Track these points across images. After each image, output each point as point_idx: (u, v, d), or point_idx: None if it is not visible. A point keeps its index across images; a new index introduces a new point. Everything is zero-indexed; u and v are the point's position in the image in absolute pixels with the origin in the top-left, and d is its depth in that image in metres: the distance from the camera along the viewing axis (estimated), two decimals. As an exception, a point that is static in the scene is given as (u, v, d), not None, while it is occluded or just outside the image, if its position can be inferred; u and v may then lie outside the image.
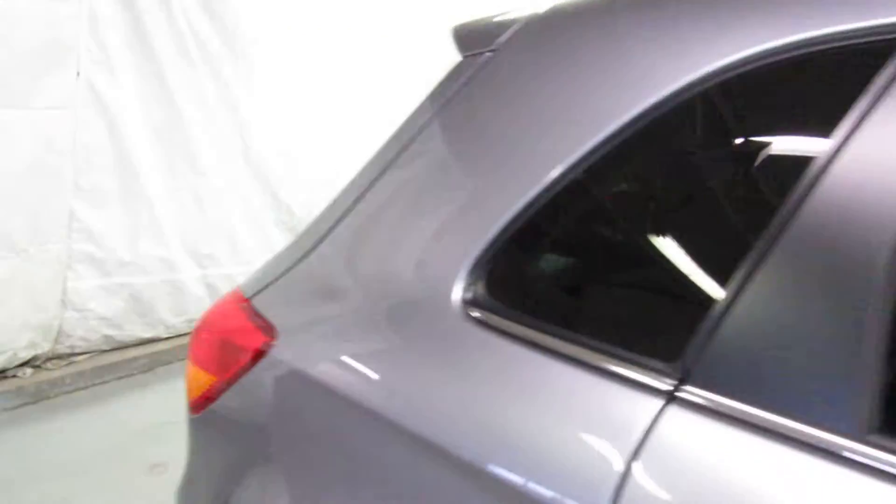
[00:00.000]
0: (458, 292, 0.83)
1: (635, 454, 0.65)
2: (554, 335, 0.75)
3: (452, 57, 1.09)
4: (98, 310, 3.79)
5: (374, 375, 0.86)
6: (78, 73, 3.28)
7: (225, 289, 4.32)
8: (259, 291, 1.08)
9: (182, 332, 4.28)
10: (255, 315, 1.05)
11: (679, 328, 0.68)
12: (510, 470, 0.71)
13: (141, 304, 3.95)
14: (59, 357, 3.85)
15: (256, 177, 4.25)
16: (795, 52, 0.66)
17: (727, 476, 0.60)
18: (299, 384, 0.94)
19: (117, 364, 3.99)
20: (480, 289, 0.83)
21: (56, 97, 3.20)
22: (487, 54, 0.94)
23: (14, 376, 3.64)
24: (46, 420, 3.46)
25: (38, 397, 3.68)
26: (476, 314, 0.81)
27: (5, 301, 3.33)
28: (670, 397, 0.66)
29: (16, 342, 3.49)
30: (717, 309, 0.64)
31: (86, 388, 3.87)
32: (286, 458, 0.93)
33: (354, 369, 0.88)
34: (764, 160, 0.69)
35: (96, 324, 3.83)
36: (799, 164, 0.63)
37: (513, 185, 0.82)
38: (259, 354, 1.01)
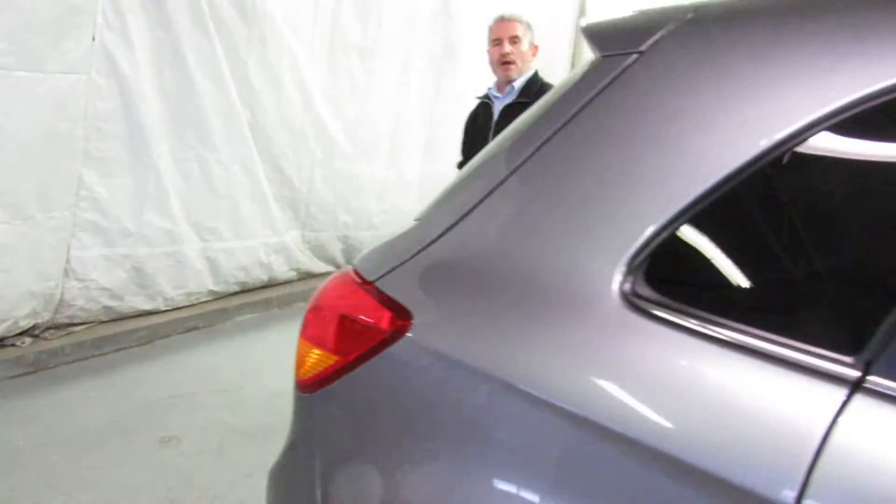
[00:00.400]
0: (616, 283, 0.88)
1: (821, 446, 0.70)
2: (727, 326, 0.80)
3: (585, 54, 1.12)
4: (100, 280, 3.74)
5: (532, 361, 0.90)
6: (93, 38, 3.21)
7: (226, 263, 4.32)
8: (385, 274, 1.10)
9: (180, 305, 4.26)
10: (385, 297, 1.08)
11: (862, 318, 0.73)
12: (693, 457, 0.76)
13: (142, 275, 3.91)
14: (57, 327, 3.79)
15: (261, 150, 4.22)
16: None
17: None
18: (444, 367, 0.97)
19: (116, 335, 3.95)
20: (641, 280, 0.87)
21: (71, 61, 3.12)
22: (633, 56, 0.97)
23: (13, 345, 3.58)
24: (49, 390, 3.41)
25: (37, 367, 3.63)
26: (638, 304, 0.86)
27: (9, 268, 3.27)
28: (855, 387, 0.71)
29: (17, 310, 3.43)
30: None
31: (85, 359, 3.82)
32: (428, 438, 0.97)
33: (508, 355, 0.92)
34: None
35: (97, 294, 3.78)
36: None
37: (674, 184, 0.86)
38: (392, 336, 1.04)
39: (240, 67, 3.90)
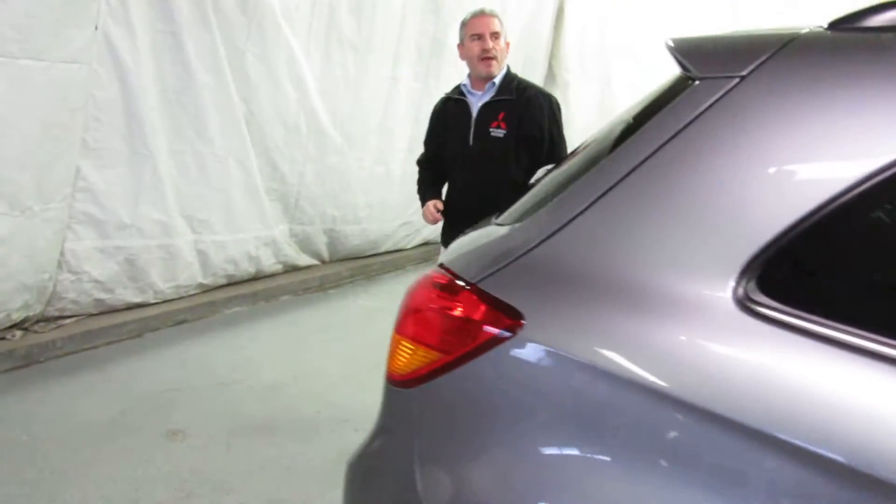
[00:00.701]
0: (730, 289, 0.97)
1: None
2: (838, 329, 0.89)
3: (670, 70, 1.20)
4: (93, 272, 3.70)
5: (651, 359, 0.98)
6: (96, 27, 3.16)
7: (216, 256, 4.30)
8: (488, 276, 1.16)
9: (169, 298, 4.23)
10: (492, 298, 1.15)
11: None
12: (838, 453, 0.85)
13: (134, 268, 3.87)
14: (47, 320, 3.73)
15: (256, 144, 4.21)
16: None
17: None
18: (561, 364, 1.05)
19: (107, 329, 3.90)
20: (753, 286, 0.96)
21: (74, 51, 3.08)
22: (735, 80, 1.06)
23: (3, 339, 3.51)
24: (44, 385, 3.36)
25: (28, 361, 3.56)
26: (752, 307, 0.94)
27: (5, 260, 3.21)
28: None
29: (11, 303, 3.37)
30: None
31: (76, 352, 3.77)
32: (546, 431, 1.04)
33: (626, 353, 1.00)
34: None
35: (89, 287, 3.73)
36: None
37: (785, 200, 0.96)
38: (503, 336, 1.11)
39: (238, 60, 3.88)
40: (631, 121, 1.20)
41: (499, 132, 2.67)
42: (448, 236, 2.80)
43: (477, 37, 2.65)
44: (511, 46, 2.82)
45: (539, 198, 1.25)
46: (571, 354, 1.04)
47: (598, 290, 1.06)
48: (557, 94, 6.62)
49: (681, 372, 0.97)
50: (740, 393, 0.92)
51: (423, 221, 5.85)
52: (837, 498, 0.85)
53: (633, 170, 1.09)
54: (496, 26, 2.65)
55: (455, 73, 5.63)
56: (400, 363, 1.25)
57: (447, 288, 1.21)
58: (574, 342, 1.05)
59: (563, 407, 1.04)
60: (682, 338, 0.98)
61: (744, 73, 1.05)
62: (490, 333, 1.12)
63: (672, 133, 1.07)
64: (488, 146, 2.69)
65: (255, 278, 4.72)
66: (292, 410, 3.30)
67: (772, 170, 0.99)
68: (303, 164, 4.49)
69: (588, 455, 1.01)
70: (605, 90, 6.55)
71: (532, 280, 1.12)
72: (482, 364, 1.12)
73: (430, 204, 2.80)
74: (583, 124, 6.68)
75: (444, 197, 2.89)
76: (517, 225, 1.22)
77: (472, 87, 2.74)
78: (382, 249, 5.62)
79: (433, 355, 1.20)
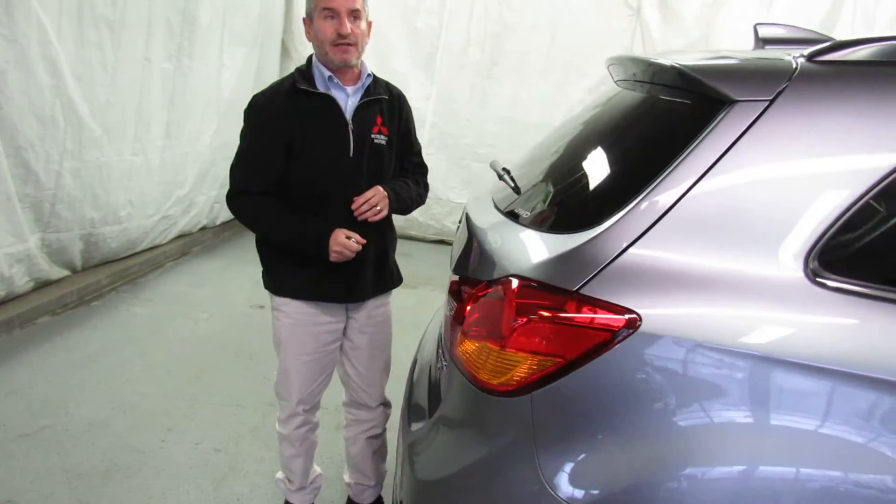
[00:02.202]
0: (801, 269, 1.25)
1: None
2: (885, 290, 1.23)
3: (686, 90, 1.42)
4: None
5: (755, 332, 1.22)
6: None
7: None
8: (587, 281, 1.28)
9: None
10: (601, 301, 1.28)
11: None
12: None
13: None
14: None
15: (6, 142, 3.49)
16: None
17: None
18: (680, 350, 1.23)
19: None
20: (818, 265, 1.25)
21: None
22: (764, 102, 1.33)
23: None
24: None
25: None
26: (823, 282, 1.24)
27: None
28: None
29: None
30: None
31: None
32: (685, 412, 1.23)
33: (732, 329, 1.23)
34: None
35: None
36: None
37: (843, 190, 1.26)
38: (624, 334, 1.26)
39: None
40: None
41: (381, 139, 2.14)
42: (316, 278, 2.14)
43: (328, 13, 1.99)
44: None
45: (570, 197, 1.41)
46: (688, 339, 1.24)
47: (696, 281, 1.27)
48: (293, 69, 6.56)
49: (775, 337, 1.23)
50: (824, 345, 1.22)
51: (180, 213, 5.48)
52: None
53: (700, 179, 1.30)
54: (357, 2, 2.01)
55: (213, 49, 5.23)
56: (505, 375, 1.33)
57: (552, 299, 1.31)
58: (687, 328, 1.25)
59: (687, 384, 1.24)
60: (770, 310, 1.24)
61: (770, 97, 1.33)
62: (607, 334, 1.27)
63: (729, 144, 1.31)
64: (374, 157, 2.13)
65: (6, 300, 3.96)
66: (133, 447, 2.95)
67: (815, 176, 1.29)
68: (59, 163, 3.84)
69: (716, 421, 1.23)
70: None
71: (635, 279, 1.28)
72: (605, 362, 1.27)
73: (342, 234, 2.03)
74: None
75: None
76: (593, 230, 1.34)
77: (338, 78, 2.06)
78: (140, 248, 5.09)
79: (547, 362, 1.30)
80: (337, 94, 2.07)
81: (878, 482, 1.19)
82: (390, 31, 6.53)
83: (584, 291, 1.29)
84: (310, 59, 2.13)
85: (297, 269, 2.14)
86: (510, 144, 6.11)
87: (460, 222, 2.12)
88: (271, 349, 4.00)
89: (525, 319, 1.32)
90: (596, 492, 1.27)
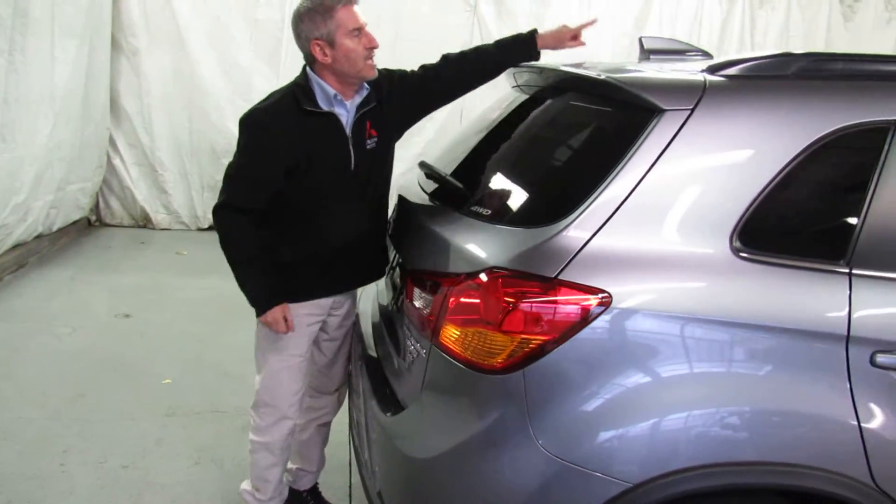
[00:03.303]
0: (727, 245, 1.55)
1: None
2: (795, 259, 1.56)
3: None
4: None
5: (703, 299, 1.51)
6: None
7: None
8: (563, 268, 1.50)
9: None
10: (577, 284, 1.50)
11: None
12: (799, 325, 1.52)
13: None
14: None
15: None
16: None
17: None
18: (645, 319, 1.48)
19: None
20: (739, 241, 1.55)
21: None
22: (686, 112, 1.61)
23: None
24: None
25: None
26: (743, 255, 1.55)
27: None
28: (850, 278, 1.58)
29: None
30: None
31: None
32: (660, 371, 1.48)
33: (681, 296, 1.50)
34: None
35: None
36: None
37: (751, 182, 1.57)
38: (597, 311, 1.49)
39: None
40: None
41: (372, 142, 2.16)
42: (320, 282, 2.21)
43: (357, 32, 2.02)
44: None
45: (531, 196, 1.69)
46: (649, 310, 1.51)
47: (651, 261, 1.55)
48: (125, 63, 6.20)
49: (712, 301, 1.53)
50: (746, 305, 1.54)
51: (15, 221, 5.00)
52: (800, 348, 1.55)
53: (645, 174, 1.57)
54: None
55: (45, 44, 4.83)
56: (500, 356, 1.52)
57: (536, 285, 1.51)
58: (648, 301, 1.52)
59: (652, 347, 1.51)
60: (709, 281, 1.54)
61: (691, 106, 1.62)
62: (585, 312, 1.50)
63: (664, 146, 1.58)
64: (374, 164, 2.20)
65: None
66: (29, 475, 2.82)
67: (737, 166, 1.60)
68: None
69: (683, 373, 1.51)
70: (181, 56, 6.32)
71: (603, 263, 1.52)
72: (585, 336, 1.50)
73: (283, 311, 2.12)
74: (161, 93, 6.39)
75: (299, 246, 2.16)
76: (559, 223, 1.55)
77: (343, 95, 2.07)
78: (-28, 263, 4.61)
79: (534, 340, 1.51)
80: (339, 112, 2.10)
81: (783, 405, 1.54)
82: (230, 23, 6.36)
83: (565, 277, 1.51)
84: (304, 72, 2.10)
85: (316, 270, 2.19)
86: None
87: (394, 223, 2.25)
88: (150, 358, 3.90)
89: (514, 305, 1.52)
90: (584, 447, 1.50)
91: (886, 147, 1.62)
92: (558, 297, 1.51)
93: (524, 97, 2.23)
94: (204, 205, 6.67)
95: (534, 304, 1.51)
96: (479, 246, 1.67)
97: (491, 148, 2.11)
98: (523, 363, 1.51)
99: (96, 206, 6.54)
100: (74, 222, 6.07)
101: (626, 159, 1.58)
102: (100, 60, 5.93)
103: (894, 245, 1.60)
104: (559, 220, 1.57)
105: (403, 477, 1.72)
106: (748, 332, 1.53)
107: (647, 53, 2.28)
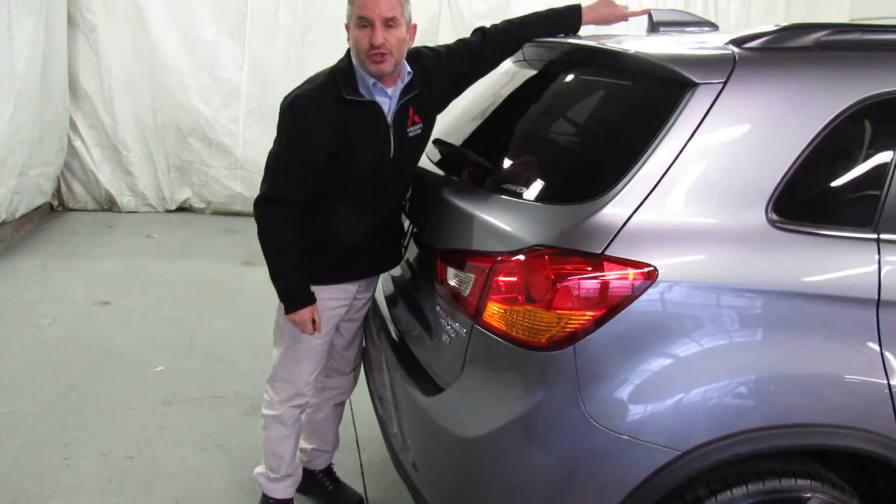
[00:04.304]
0: (763, 215, 1.58)
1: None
2: (828, 229, 1.60)
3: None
4: None
5: (739, 268, 1.55)
6: None
7: None
8: (609, 245, 1.52)
9: None
10: (623, 260, 1.52)
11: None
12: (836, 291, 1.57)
13: None
14: None
15: None
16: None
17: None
18: (691, 291, 1.51)
19: None
20: (774, 212, 1.59)
21: None
22: (720, 84, 1.63)
23: None
24: None
25: None
26: (779, 225, 1.59)
27: None
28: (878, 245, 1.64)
29: None
30: None
31: None
32: (705, 341, 1.53)
33: (722, 267, 1.54)
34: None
35: None
36: None
37: (782, 154, 1.60)
38: (645, 285, 1.51)
39: None
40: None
41: (416, 129, 2.12)
42: (349, 268, 2.21)
43: (363, 22, 1.94)
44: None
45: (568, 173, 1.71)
46: (693, 281, 1.54)
47: (691, 234, 1.57)
48: (82, 41, 5.97)
49: (752, 272, 1.57)
50: (784, 274, 1.58)
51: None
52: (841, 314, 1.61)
53: (683, 148, 1.58)
54: (393, 9, 1.93)
55: (2, 21, 4.60)
56: (549, 332, 1.54)
57: (582, 262, 1.53)
58: (691, 273, 1.55)
59: (698, 318, 1.54)
60: (748, 251, 1.58)
61: (724, 79, 1.64)
62: (632, 287, 1.52)
63: (699, 120, 1.60)
64: (413, 153, 2.17)
65: None
66: (33, 471, 2.77)
67: (771, 141, 1.62)
68: None
69: (726, 342, 1.55)
70: (140, 32, 6.09)
71: (645, 237, 1.55)
72: (633, 311, 1.53)
73: (309, 314, 2.10)
74: (121, 71, 6.17)
75: (330, 229, 2.14)
76: (599, 200, 1.57)
77: (382, 83, 2.01)
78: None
79: (584, 316, 1.53)
80: (381, 100, 2.04)
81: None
82: (191, -3, 6.15)
83: (611, 252, 1.53)
84: (348, 56, 2.05)
85: (344, 255, 2.18)
86: (333, 112, 6.13)
87: (412, 201, 2.24)
88: (138, 346, 3.83)
89: (563, 282, 1.53)
90: (634, 418, 1.54)
91: (909, 115, 1.67)
92: (606, 273, 1.52)
93: (533, 72, 2.22)
94: (171, 186, 6.52)
95: (582, 281, 1.53)
96: (519, 224, 1.67)
97: (512, 125, 2.10)
98: (573, 339, 1.53)
99: (58, 191, 6.31)
100: (37, 208, 5.84)
101: (662, 134, 1.60)
102: (57, 38, 5.68)
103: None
104: (600, 197, 1.58)
105: (450, 454, 1.73)
106: (786, 300, 1.58)
107: (655, 26, 2.29)
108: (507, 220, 1.71)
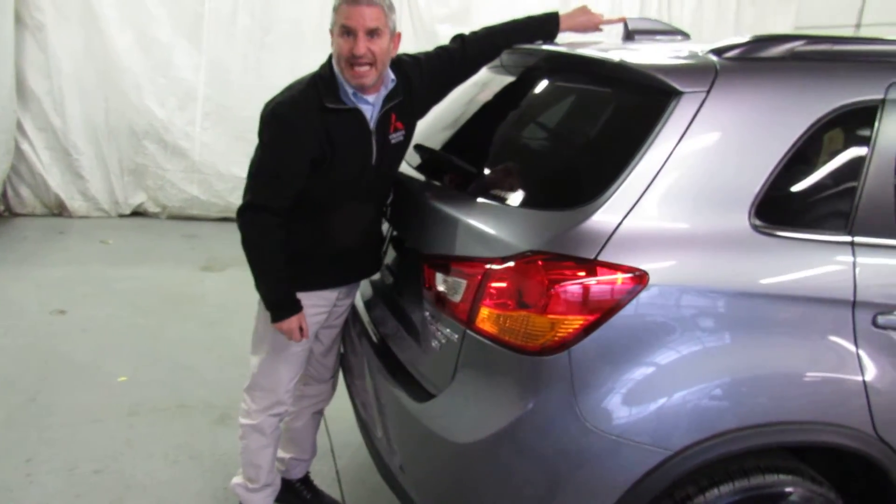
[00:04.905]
0: (747, 220, 1.63)
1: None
2: (809, 233, 1.66)
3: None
4: None
5: (726, 271, 1.59)
6: None
7: None
8: (601, 250, 1.54)
9: None
10: (614, 265, 1.54)
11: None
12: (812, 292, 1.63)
13: None
14: None
15: None
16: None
17: None
18: (680, 294, 1.55)
19: None
20: (755, 216, 1.64)
21: None
22: (703, 94, 1.67)
23: None
24: None
25: None
26: (760, 228, 1.64)
27: None
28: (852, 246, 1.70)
29: None
30: None
31: None
32: (697, 343, 1.56)
33: (708, 270, 1.58)
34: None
35: None
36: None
37: (763, 161, 1.65)
38: (637, 289, 1.54)
39: None
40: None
41: (398, 136, 2.12)
42: (329, 274, 2.20)
43: (346, 31, 1.92)
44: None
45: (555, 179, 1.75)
46: (683, 286, 1.58)
47: (678, 239, 1.61)
48: (30, 40, 5.77)
49: (738, 275, 1.62)
50: (766, 277, 1.64)
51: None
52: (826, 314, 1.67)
53: (669, 156, 1.62)
54: (377, 19, 1.91)
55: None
56: (543, 338, 1.56)
57: (576, 268, 1.55)
58: (681, 277, 1.59)
59: (686, 320, 1.58)
60: (734, 255, 1.63)
61: (707, 88, 1.68)
62: (625, 291, 1.55)
63: (684, 128, 1.64)
64: (395, 159, 2.18)
65: None
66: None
67: (751, 146, 1.67)
68: None
69: (713, 344, 1.60)
70: (92, 32, 5.91)
71: (636, 243, 1.58)
72: (626, 314, 1.56)
73: (297, 322, 2.10)
74: (72, 72, 5.98)
75: (312, 236, 2.13)
76: (589, 206, 1.59)
77: (362, 92, 2.00)
78: None
79: (578, 321, 1.55)
80: (363, 107, 2.03)
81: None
82: (146, -3, 6.01)
83: (603, 258, 1.55)
84: (329, 63, 2.02)
85: (325, 261, 2.17)
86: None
87: (394, 207, 2.23)
88: (99, 355, 3.72)
89: (557, 287, 1.55)
90: (628, 419, 1.57)
91: (877, 124, 1.75)
92: (600, 278, 1.55)
93: (517, 79, 2.24)
94: (124, 190, 6.34)
95: (576, 286, 1.55)
96: (510, 230, 1.69)
97: (497, 131, 2.11)
98: (568, 343, 1.55)
99: (4, 195, 6.08)
100: (-18, 213, 5.63)
101: (649, 141, 1.64)
102: (3, 38, 5.47)
103: (887, 214, 1.74)
104: (591, 202, 1.61)
105: (444, 459, 1.73)
106: (769, 302, 1.64)
107: (630, 34, 2.34)
108: (497, 226, 1.72)
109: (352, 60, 1.93)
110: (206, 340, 3.99)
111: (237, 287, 4.87)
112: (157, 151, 6.24)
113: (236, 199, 6.62)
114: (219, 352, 3.83)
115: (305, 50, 6.27)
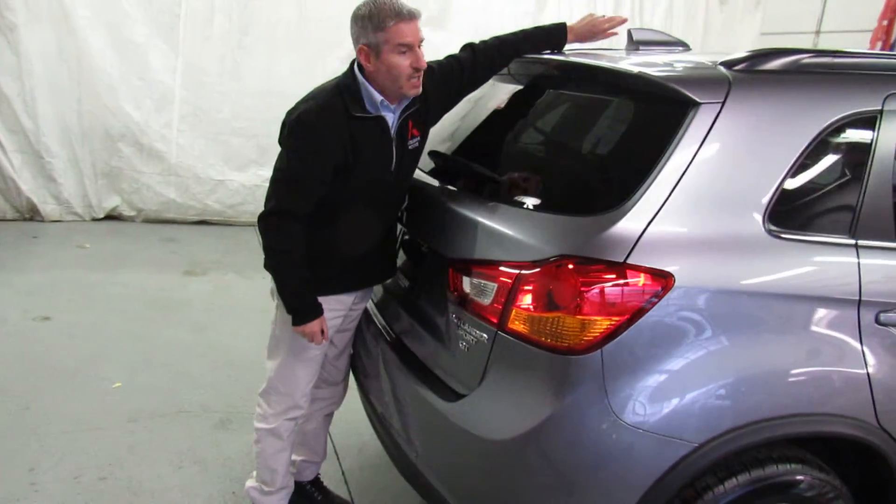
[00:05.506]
0: (761, 224, 1.73)
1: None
2: (820, 236, 1.77)
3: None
4: None
5: (744, 272, 1.69)
6: None
7: None
8: (629, 254, 1.62)
9: None
10: (643, 268, 1.62)
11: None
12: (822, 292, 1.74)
13: None
14: None
15: None
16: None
17: None
18: (704, 295, 1.64)
19: None
20: (769, 220, 1.74)
21: None
22: (719, 104, 1.76)
23: None
24: None
25: None
26: (773, 231, 1.74)
27: None
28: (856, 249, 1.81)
29: None
30: None
31: None
32: (726, 338, 1.66)
33: (731, 272, 1.67)
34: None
35: None
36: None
37: (774, 168, 1.75)
38: (662, 291, 1.62)
39: None
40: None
41: (415, 142, 2.19)
42: (344, 279, 2.25)
43: (406, 48, 1.97)
44: None
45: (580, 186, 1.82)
46: (706, 286, 1.67)
47: (701, 242, 1.70)
48: (1, 41, 5.65)
49: (755, 277, 1.72)
50: (780, 278, 1.74)
51: None
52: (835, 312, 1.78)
53: (690, 163, 1.71)
54: (421, 29, 2.02)
55: None
56: (572, 337, 1.63)
57: (606, 270, 1.63)
58: (703, 279, 1.68)
59: (710, 320, 1.67)
60: (751, 258, 1.73)
61: (722, 99, 1.78)
62: (653, 292, 1.63)
63: (703, 137, 1.73)
64: (411, 165, 2.23)
65: None
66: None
67: (763, 152, 1.77)
68: None
69: (733, 343, 1.69)
70: (65, 33, 5.81)
71: (661, 246, 1.66)
72: (654, 315, 1.64)
73: (318, 325, 2.13)
74: (44, 73, 5.87)
75: (330, 241, 2.16)
76: (615, 212, 1.67)
77: (389, 100, 2.06)
78: None
79: (609, 321, 1.63)
80: (387, 115, 2.09)
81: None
82: (121, -3, 5.92)
83: (632, 261, 1.63)
84: (352, 73, 2.06)
85: (342, 266, 2.21)
86: (271, 118, 5.99)
87: (411, 212, 2.28)
88: (90, 362, 3.69)
89: (589, 290, 1.62)
90: (657, 415, 1.65)
91: (876, 133, 1.86)
92: (629, 280, 1.63)
93: (519, 87, 2.31)
94: (98, 193, 6.24)
95: (607, 288, 1.62)
96: (540, 234, 1.75)
97: (512, 140, 2.18)
98: (600, 344, 1.63)
99: (-27, 200, 5.94)
100: (-47, 218, 5.49)
101: (670, 149, 1.72)
102: (-27, 39, 5.35)
103: (887, 218, 1.86)
104: (618, 208, 1.69)
105: (477, 456, 1.79)
106: (783, 301, 1.74)
107: (635, 44, 2.42)
108: (526, 232, 1.79)
109: (413, 75, 2.01)
110: (197, 345, 3.97)
111: (222, 292, 4.86)
112: (133, 154, 6.16)
113: (213, 201, 6.74)
114: (211, 357, 3.82)
115: (283, 52, 6.27)
